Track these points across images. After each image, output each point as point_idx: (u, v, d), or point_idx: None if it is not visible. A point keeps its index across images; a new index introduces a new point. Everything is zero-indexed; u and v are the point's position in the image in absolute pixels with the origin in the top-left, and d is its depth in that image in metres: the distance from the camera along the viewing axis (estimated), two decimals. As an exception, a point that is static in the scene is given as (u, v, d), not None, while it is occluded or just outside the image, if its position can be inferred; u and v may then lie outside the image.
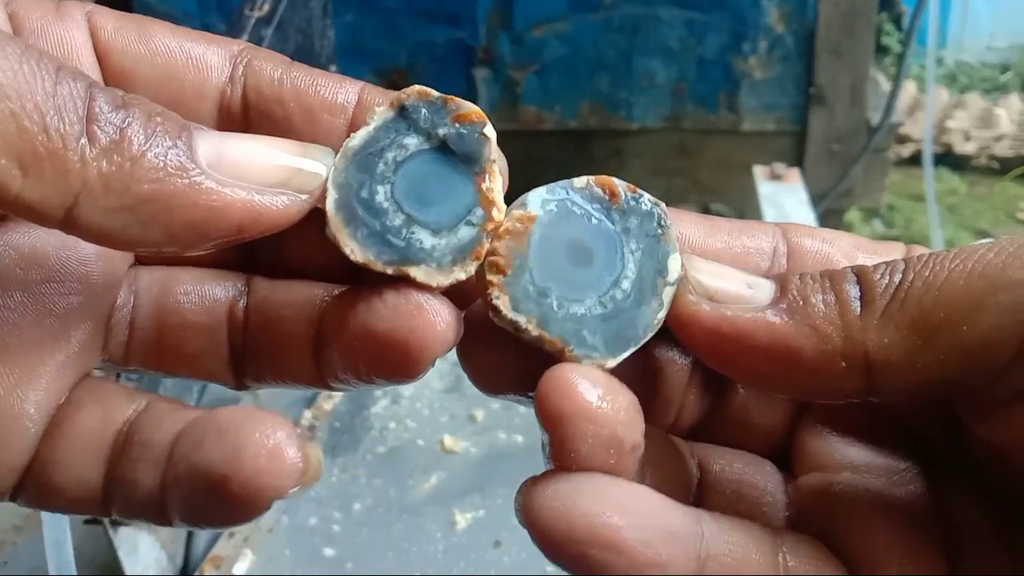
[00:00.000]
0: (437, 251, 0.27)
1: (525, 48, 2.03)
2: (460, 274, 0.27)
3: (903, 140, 2.96)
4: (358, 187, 0.26)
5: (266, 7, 1.08)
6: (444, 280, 0.27)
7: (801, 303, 0.25)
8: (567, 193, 0.28)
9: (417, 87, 0.28)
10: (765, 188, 1.67)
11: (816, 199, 1.77)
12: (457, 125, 0.27)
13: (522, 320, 0.26)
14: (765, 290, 0.26)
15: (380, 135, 0.27)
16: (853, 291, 0.25)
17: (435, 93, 0.28)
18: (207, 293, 0.30)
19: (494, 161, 0.28)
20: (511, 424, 1.20)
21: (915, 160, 2.85)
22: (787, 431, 0.31)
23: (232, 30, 1.08)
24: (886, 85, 2.09)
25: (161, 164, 0.23)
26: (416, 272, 0.26)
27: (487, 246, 0.27)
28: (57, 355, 0.27)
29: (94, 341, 0.29)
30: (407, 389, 1.31)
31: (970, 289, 0.24)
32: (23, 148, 0.22)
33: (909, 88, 3.13)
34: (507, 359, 0.28)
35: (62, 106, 0.23)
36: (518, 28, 2.02)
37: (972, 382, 0.24)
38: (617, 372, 0.30)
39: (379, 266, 0.26)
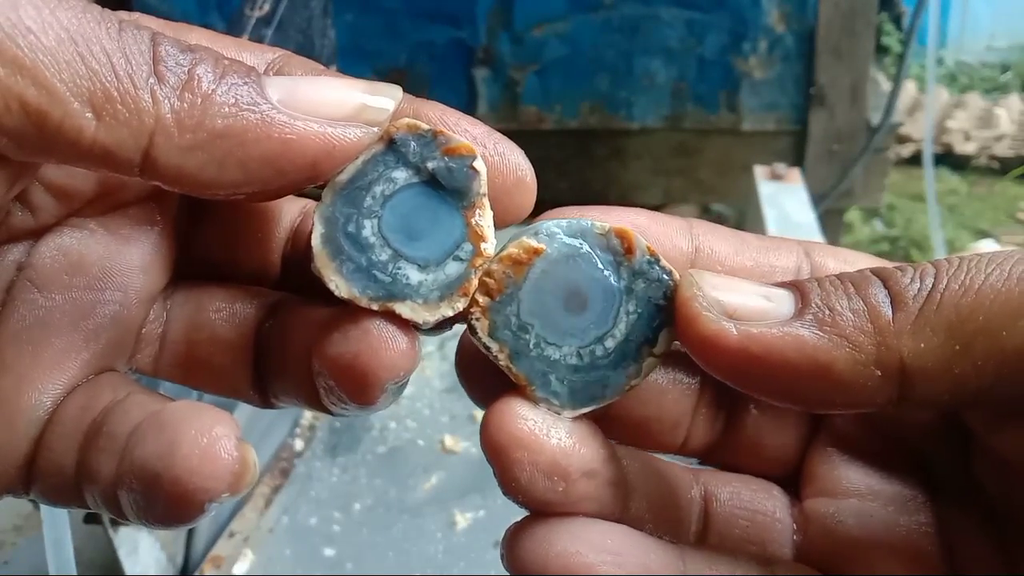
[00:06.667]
0: (424, 287, 0.26)
1: (525, 48, 2.03)
2: (447, 310, 0.27)
3: (903, 140, 2.96)
4: (345, 221, 0.26)
5: (266, 7, 1.08)
6: (430, 317, 0.26)
7: (828, 312, 0.24)
8: (583, 236, 0.27)
9: (407, 120, 0.27)
10: (766, 188, 1.66)
11: (816, 199, 1.77)
12: (447, 158, 0.27)
13: (494, 348, 0.27)
14: (784, 301, 0.25)
15: (368, 168, 0.27)
16: (880, 295, 0.24)
17: (425, 126, 0.27)
18: (238, 310, 0.30)
19: (484, 195, 0.27)
20: (511, 424, 1.20)
21: (915, 160, 2.84)
22: (799, 454, 0.31)
23: (232, 30, 1.08)
24: (886, 85, 2.09)
25: (233, 100, 0.24)
26: (402, 308, 0.26)
27: (475, 283, 0.27)
28: (84, 355, 0.28)
29: (121, 347, 0.29)
30: (408, 389, 1.31)
31: (1010, 294, 0.23)
32: (94, 90, 0.22)
33: (909, 88, 3.13)
34: (499, 379, 0.28)
35: (128, 49, 0.23)
36: (518, 28, 2.02)
37: (1005, 391, 0.24)
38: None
39: (364, 302, 0.26)
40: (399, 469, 1.17)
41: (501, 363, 0.27)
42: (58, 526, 0.78)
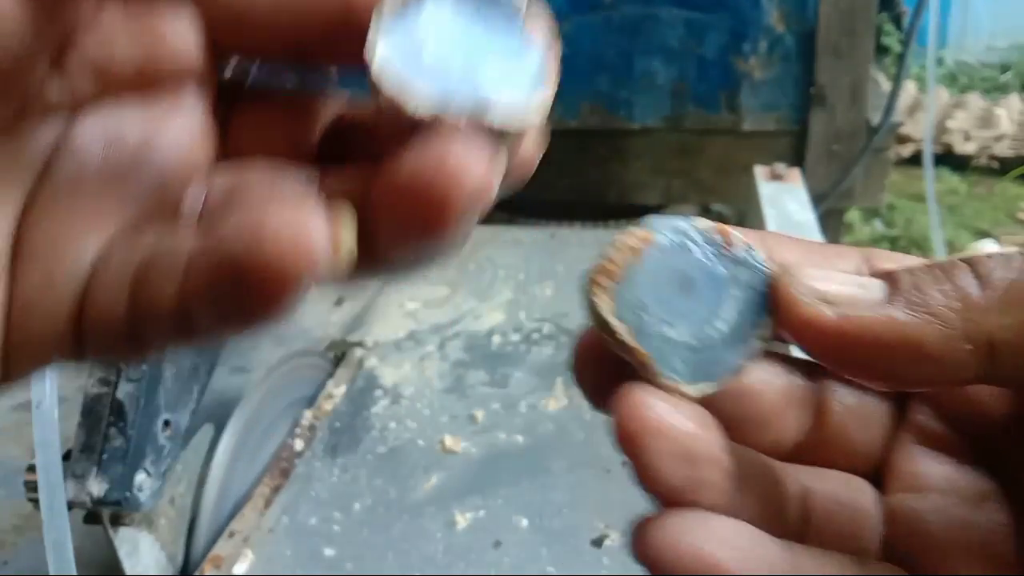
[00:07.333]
0: (510, 81, 0.26)
1: (525, 48, 2.03)
2: (545, 91, 0.26)
3: (903, 140, 2.96)
4: (407, 42, 0.26)
5: (266, 7, 1.08)
6: (532, 100, 0.26)
7: (918, 294, 0.26)
8: (688, 228, 0.29)
9: None
10: (766, 188, 1.67)
11: (817, 199, 1.77)
12: None
13: (619, 327, 0.27)
14: (876, 289, 0.27)
15: None
16: (968, 277, 0.26)
17: None
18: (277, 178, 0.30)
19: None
20: (511, 424, 1.18)
21: (915, 160, 2.85)
22: (884, 450, 0.31)
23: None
24: (886, 85, 2.09)
25: None
26: (494, 115, 0.25)
27: (554, 65, 0.27)
28: (119, 219, 0.28)
29: (158, 218, 0.29)
30: (407, 389, 1.31)
31: None
32: None
33: (909, 88, 3.13)
34: (614, 371, 0.28)
35: None
36: (518, 28, 2.02)
37: None
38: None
39: (452, 112, 0.24)
40: (399, 469, 1.17)
41: (625, 340, 0.27)
42: (58, 526, 0.78)
